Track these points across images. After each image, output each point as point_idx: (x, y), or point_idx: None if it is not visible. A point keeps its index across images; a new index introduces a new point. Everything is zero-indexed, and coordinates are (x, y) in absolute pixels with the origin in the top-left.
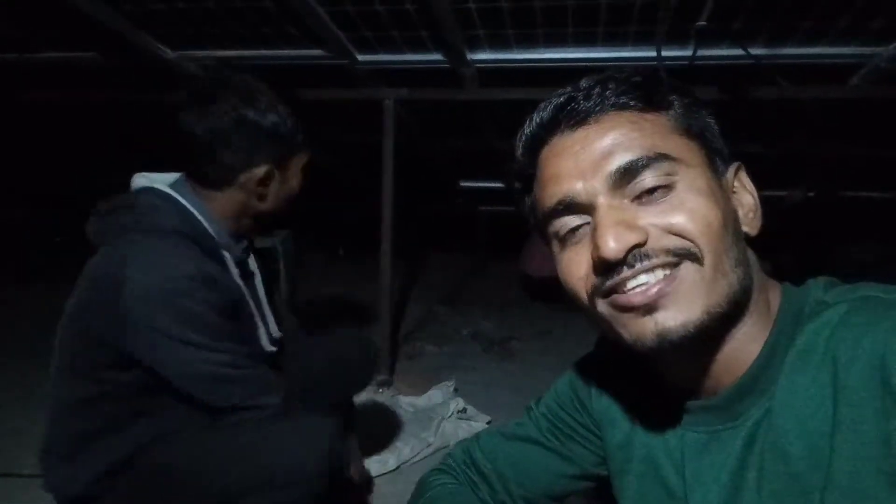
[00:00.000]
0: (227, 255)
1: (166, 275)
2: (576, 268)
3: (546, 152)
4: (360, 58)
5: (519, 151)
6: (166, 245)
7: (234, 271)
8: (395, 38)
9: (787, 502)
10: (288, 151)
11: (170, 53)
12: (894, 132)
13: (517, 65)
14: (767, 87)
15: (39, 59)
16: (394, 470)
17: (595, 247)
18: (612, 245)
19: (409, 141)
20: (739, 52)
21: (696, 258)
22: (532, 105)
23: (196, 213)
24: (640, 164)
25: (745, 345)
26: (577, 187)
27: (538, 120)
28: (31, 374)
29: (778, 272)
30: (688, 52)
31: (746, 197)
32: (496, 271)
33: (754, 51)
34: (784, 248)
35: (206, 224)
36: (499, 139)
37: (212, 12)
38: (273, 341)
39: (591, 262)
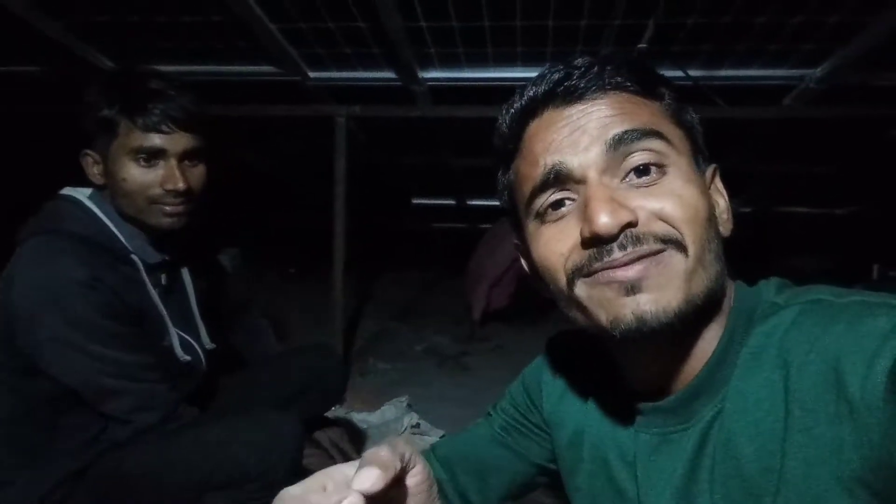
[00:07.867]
0: (136, 259)
1: (52, 275)
2: (558, 244)
3: (535, 125)
4: (312, 74)
5: (504, 125)
6: (59, 246)
7: (144, 276)
8: (348, 56)
9: None
10: (104, 131)
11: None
12: (825, 150)
13: (468, 83)
14: (705, 107)
15: None
16: None
17: (588, 220)
18: (606, 220)
19: (362, 157)
20: (679, 73)
21: (681, 247)
22: (487, 122)
23: (105, 218)
24: (636, 135)
25: (705, 343)
26: (568, 157)
27: (531, 94)
28: None
29: None
30: None
31: (720, 199)
32: (449, 287)
33: (692, 72)
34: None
35: (114, 228)
36: (452, 156)
37: (162, 26)
38: (201, 352)
39: (577, 239)
